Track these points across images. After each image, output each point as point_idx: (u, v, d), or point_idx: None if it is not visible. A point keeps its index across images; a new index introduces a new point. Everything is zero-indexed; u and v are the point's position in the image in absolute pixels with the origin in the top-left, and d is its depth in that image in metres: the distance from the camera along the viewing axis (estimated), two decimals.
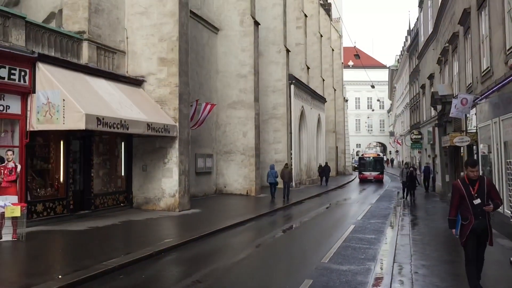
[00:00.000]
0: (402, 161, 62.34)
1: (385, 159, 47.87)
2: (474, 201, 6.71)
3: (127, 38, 17.19)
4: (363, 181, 41.34)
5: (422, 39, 34.09)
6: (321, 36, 45.02)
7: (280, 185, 23.58)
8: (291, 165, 28.55)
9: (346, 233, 13.26)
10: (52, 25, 15.22)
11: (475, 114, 15.56)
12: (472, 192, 6.72)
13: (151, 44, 17.08)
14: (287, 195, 22.53)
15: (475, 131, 15.75)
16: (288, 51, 30.71)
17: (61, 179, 14.10)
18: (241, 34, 24.99)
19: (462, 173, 10.90)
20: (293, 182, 28.74)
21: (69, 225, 13.06)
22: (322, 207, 20.95)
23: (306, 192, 27.16)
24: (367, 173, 41.25)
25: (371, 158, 42.29)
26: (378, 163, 41.75)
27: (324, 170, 36.19)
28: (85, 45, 14.96)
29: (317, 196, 26.21)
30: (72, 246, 10.80)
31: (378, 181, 40.23)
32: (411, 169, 24.91)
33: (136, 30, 17.19)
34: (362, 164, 42.40)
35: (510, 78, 10.88)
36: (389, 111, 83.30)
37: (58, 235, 11.86)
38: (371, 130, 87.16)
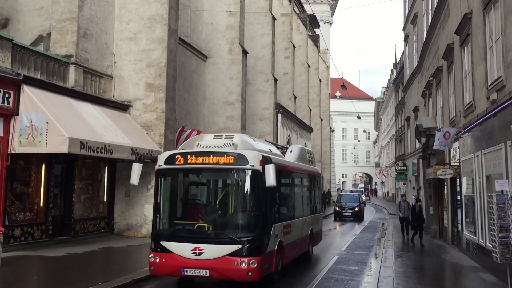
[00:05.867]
0: (387, 192, 62.57)
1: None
2: None
3: (115, 63, 17.22)
4: None
5: (407, 72, 34.72)
6: (309, 66, 45.64)
7: None
8: None
9: (330, 264, 13.13)
10: (40, 48, 15.21)
11: (458, 147, 15.74)
12: None
13: (138, 69, 17.12)
14: None
15: (458, 164, 15.90)
16: (275, 80, 31.01)
17: (41, 203, 13.83)
18: (229, 62, 25.20)
19: None
20: None
21: (47, 251, 12.73)
22: None
23: None
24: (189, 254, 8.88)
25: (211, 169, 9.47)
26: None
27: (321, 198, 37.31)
28: (72, 68, 14.93)
29: None
30: (48, 273, 10.51)
31: None
32: (419, 203, 19.64)
33: (124, 55, 17.24)
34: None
35: (491, 113, 11.06)
36: (375, 142, 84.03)
37: (35, 261, 11.55)
38: (357, 161, 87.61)
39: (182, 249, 8.83)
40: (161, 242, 9.12)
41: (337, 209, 32.10)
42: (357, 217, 31.54)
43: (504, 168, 10.33)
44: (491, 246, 11.38)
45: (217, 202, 9.76)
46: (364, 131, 76.27)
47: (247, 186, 9.16)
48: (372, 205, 53.77)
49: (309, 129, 42.93)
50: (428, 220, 23.70)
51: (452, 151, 16.88)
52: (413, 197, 30.51)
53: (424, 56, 24.91)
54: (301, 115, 41.37)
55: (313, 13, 46.90)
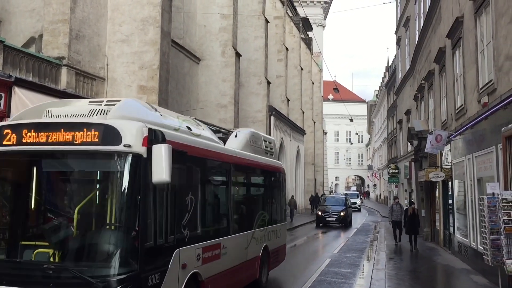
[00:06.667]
0: (380, 195, 62.79)
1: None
2: None
3: (107, 65, 17.15)
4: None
5: (399, 75, 34.89)
6: (302, 69, 45.73)
7: None
8: None
9: (322, 267, 13.14)
10: (32, 49, 15.11)
11: (450, 150, 15.83)
12: None
13: (131, 71, 17.06)
14: (291, 217, 28.18)
15: (450, 167, 15.98)
16: (268, 83, 31.05)
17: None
18: (222, 65, 25.20)
19: None
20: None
21: None
22: (302, 237, 20.79)
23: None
24: None
25: None
26: None
27: (314, 200, 40.36)
28: (64, 70, 14.84)
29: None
30: None
31: None
32: (412, 206, 19.01)
33: (117, 57, 17.18)
34: None
35: (482, 116, 11.13)
36: (367, 145, 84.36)
37: None
38: (350, 163, 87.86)
39: None
40: None
41: (320, 213, 28.48)
42: (342, 223, 27.97)
43: (495, 171, 10.40)
44: (482, 248, 11.45)
45: (71, 213, 5.59)
46: (356, 133, 76.67)
47: (123, 183, 5.20)
48: (365, 207, 53.94)
49: (302, 131, 43.00)
50: (420, 222, 23.79)
51: (443, 154, 16.98)
52: (405, 200, 30.70)
53: (416, 59, 25.06)
54: (294, 117, 41.42)
55: (306, 16, 47.07)
